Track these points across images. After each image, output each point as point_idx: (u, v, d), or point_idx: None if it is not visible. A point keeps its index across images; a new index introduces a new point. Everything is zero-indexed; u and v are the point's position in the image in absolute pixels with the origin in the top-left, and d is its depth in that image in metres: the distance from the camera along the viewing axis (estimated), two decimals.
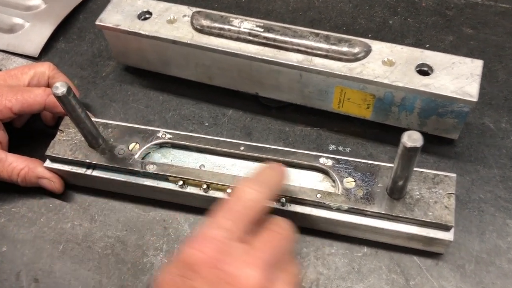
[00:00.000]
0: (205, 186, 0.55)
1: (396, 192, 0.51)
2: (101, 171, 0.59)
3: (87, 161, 0.58)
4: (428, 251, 0.54)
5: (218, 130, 0.66)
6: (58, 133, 0.61)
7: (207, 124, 0.67)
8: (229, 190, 0.55)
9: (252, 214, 0.43)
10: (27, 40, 0.76)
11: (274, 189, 0.47)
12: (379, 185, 0.53)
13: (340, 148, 0.63)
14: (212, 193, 0.56)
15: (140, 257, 0.57)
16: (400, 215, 0.51)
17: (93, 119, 0.62)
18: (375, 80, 0.56)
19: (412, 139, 0.44)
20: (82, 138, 0.59)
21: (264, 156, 0.57)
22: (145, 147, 0.59)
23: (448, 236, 0.51)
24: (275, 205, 0.54)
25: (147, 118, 0.68)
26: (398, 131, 0.63)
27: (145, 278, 0.55)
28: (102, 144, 0.59)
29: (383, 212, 0.51)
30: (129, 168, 0.57)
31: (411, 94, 0.56)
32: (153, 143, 0.59)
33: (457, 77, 0.55)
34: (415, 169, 0.52)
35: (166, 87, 0.71)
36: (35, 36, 0.76)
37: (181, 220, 0.59)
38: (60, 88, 0.51)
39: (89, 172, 0.59)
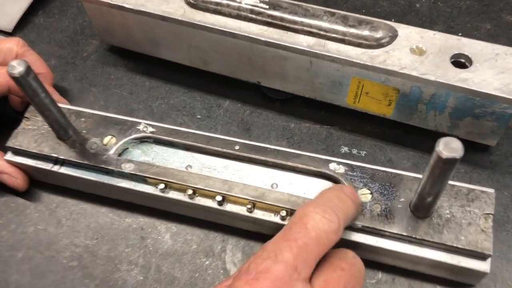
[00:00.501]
0: (190, 192, 0.46)
1: (422, 210, 0.42)
2: (70, 168, 0.50)
3: (54, 155, 0.49)
4: (455, 281, 0.45)
5: (212, 124, 0.57)
6: (24, 121, 0.52)
7: (199, 116, 0.57)
8: (218, 198, 0.45)
9: (322, 249, 0.35)
10: (1, 12, 0.67)
11: (348, 219, 0.39)
12: (401, 199, 0.44)
13: (354, 151, 0.54)
14: (198, 200, 0.47)
15: (111, 271, 0.48)
16: (426, 239, 0.42)
17: (66, 105, 0.53)
18: (401, 71, 0.46)
19: (449, 148, 0.34)
20: (50, 128, 0.50)
21: (263, 158, 0.48)
22: (122, 142, 0.50)
23: (483, 266, 0.42)
24: (273, 218, 0.45)
25: (131, 106, 0.58)
26: (424, 134, 0.54)
27: None
28: (73, 136, 0.50)
29: (404, 233, 0.42)
30: (102, 166, 0.48)
31: (444, 90, 0.46)
32: (132, 137, 0.50)
33: (502, 71, 0.45)
34: None
35: (155, 71, 0.61)
36: (10, 8, 0.67)
37: (162, 230, 0.50)
38: (17, 67, 0.42)
39: (56, 168, 0.50)
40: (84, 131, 0.50)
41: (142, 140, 0.51)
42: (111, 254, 0.49)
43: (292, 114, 0.57)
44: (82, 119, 0.51)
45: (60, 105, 0.52)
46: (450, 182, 0.44)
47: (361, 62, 0.47)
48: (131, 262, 0.48)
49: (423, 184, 0.39)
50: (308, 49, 0.49)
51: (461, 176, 0.51)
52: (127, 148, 0.50)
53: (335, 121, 0.56)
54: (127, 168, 0.47)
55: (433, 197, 0.40)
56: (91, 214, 0.51)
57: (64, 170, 0.50)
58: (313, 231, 0.34)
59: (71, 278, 0.48)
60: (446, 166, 0.35)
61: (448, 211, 0.43)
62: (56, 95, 0.55)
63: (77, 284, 0.47)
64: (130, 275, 0.47)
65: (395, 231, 0.42)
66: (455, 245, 0.41)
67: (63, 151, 0.49)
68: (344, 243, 0.44)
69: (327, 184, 0.47)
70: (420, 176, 0.45)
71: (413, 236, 0.42)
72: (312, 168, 0.47)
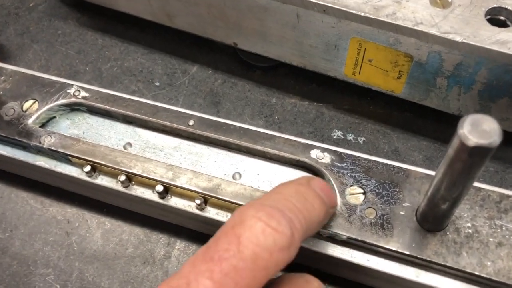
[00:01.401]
0: (123, 178, 0.35)
1: (433, 221, 0.30)
2: None
3: None
4: None
5: (172, 94, 0.45)
6: None
7: (158, 83, 0.46)
8: (159, 188, 0.34)
9: (262, 276, 0.23)
10: None
11: (311, 229, 0.26)
12: (405, 204, 0.32)
13: (350, 137, 0.41)
14: (134, 190, 0.35)
15: (22, 275, 0.37)
16: (435, 261, 0.30)
17: None
18: (415, 28, 0.34)
19: (480, 131, 0.22)
20: None
21: (224, 138, 0.36)
22: (46, 108, 0.38)
23: None
24: (224, 218, 0.33)
25: (76, 68, 0.47)
26: (442, 119, 0.41)
27: None
28: None
29: (406, 251, 0.30)
30: (15, 138, 0.37)
31: (474, 57, 0.34)
32: (58, 102, 0.39)
33: None
34: None
35: (110, 27, 0.50)
36: None
37: (92, 225, 0.39)
38: None
39: None
40: (1, 92, 0.39)
41: (74, 108, 0.39)
42: (25, 252, 0.38)
43: (274, 87, 0.45)
44: (2, 77, 0.40)
45: None
46: (475, 183, 0.32)
47: (362, 14, 0.35)
48: (49, 264, 0.37)
49: (437, 183, 0.27)
50: None
51: (489, 177, 0.39)
52: (54, 116, 0.39)
53: (329, 98, 0.44)
54: (47, 142, 0.36)
55: (450, 203, 0.28)
56: (8, 199, 0.40)
57: None
58: (249, 248, 0.22)
59: None
60: (472, 159, 0.23)
61: (469, 224, 0.31)
62: None
63: None
64: (45, 281, 0.36)
65: (393, 248, 0.30)
66: (477, 273, 0.29)
67: None
68: (323, 259, 0.32)
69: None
70: (433, 173, 0.33)
71: (418, 256, 0.30)
72: (287, 155, 0.35)
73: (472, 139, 0.22)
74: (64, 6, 0.52)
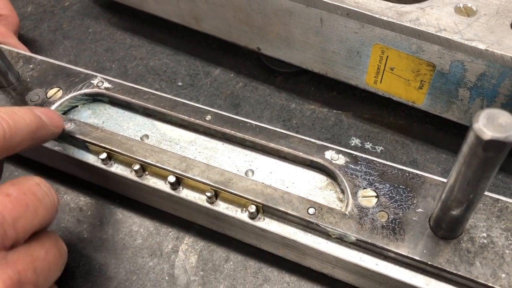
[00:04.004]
0: (137, 167, 0.35)
1: (447, 227, 0.29)
2: None
3: None
4: None
5: (194, 94, 0.45)
6: None
7: (180, 83, 0.46)
8: (171, 178, 0.34)
9: None
10: None
11: (18, 132, 0.29)
12: (418, 210, 0.31)
13: (368, 145, 0.41)
14: (147, 180, 0.35)
15: None
16: (447, 269, 0.29)
17: (15, 49, 0.43)
18: (437, 34, 0.33)
19: (496, 124, 0.21)
20: None
21: (240, 135, 0.36)
22: (69, 96, 0.39)
23: None
24: (238, 214, 0.33)
25: (102, 64, 0.48)
26: (464, 133, 0.40)
27: None
28: (15, 83, 0.40)
29: (417, 257, 0.29)
30: None
31: (498, 67, 0.33)
32: (81, 92, 0.39)
33: None
34: (486, 193, 0.30)
35: (140, 29, 0.51)
36: None
37: (106, 214, 0.39)
38: None
39: None
40: (29, 79, 0.41)
41: (96, 99, 0.40)
42: None
43: (295, 92, 0.45)
44: (31, 65, 0.42)
45: (6, 47, 0.43)
46: (493, 195, 0.31)
47: (385, 19, 0.35)
48: None
49: (451, 184, 0.26)
50: None
51: (509, 189, 0.37)
52: (76, 105, 0.40)
53: (349, 106, 0.43)
54: (66, 128, 0.37)
55: (464, 208, 0.27)
56: None
57: None
58: None
59: None
60: (487, 154, 0.22)
61: (485, 234, 0.30)
62: (11, 39, 0.46)
63: None
64: None
65: (403, 252, 0.29)
66: (490, 284, 0.28)
67: None
68: (330, 260, 0.31)
69: (319, 178, 0.34)
70: None
71: (429, 262, 0.29)
72: (301, 154, 0.34)
73: (487, 133, 0.21)
74: (97, 7, 0.54)
